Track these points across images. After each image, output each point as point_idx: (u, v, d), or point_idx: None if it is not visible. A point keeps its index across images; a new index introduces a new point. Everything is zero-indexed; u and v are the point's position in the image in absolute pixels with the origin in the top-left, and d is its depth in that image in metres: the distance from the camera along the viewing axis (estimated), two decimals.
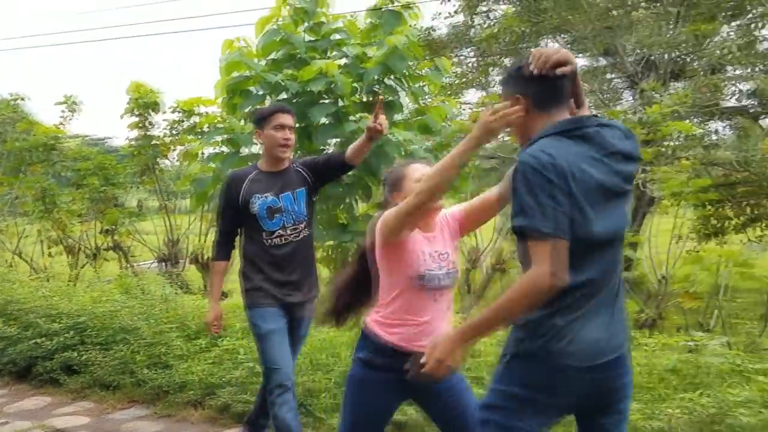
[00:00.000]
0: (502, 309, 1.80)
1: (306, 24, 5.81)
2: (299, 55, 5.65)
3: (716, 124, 11.44)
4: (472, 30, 12.98)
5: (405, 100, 6.16)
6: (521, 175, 1.76)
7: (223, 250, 3.33)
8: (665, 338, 4.07)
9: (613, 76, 12.68)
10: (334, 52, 5.92)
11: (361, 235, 5.76)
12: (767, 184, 8.80)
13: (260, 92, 5.63)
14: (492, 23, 12.28)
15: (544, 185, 1.73)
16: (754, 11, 9.70)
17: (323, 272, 6.96)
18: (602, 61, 12.60)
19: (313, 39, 5.86)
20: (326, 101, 5.68)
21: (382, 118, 2.98)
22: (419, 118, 6.22)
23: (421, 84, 6.28)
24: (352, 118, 5.62)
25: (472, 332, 1.89)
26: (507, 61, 12.93)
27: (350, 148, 3.22)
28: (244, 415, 3.85)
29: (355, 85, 5.82)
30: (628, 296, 5.18)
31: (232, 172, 3.42)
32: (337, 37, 5.89)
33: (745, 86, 10.74)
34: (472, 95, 14.32)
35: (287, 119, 3.25)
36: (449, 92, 12.53)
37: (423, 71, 6.24)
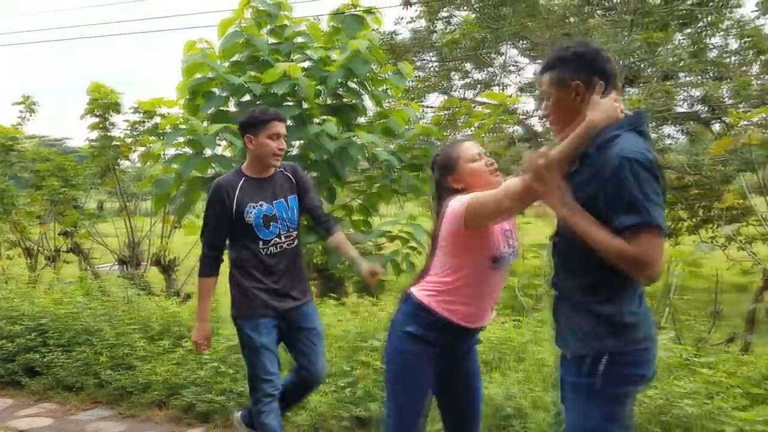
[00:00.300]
0: (597, 239, 1.79)
1: (269, 26, 5.84)
2: (262, 58, 5.69)
3: (669, 129, 11.86)
4: (434, 35, 13.18)
5: (369, 103, 6.26)
6: (631, 173, 1.74)
7: (213, 264, 3.17)
8: None
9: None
10: (297, 55, 5.97)
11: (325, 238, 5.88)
12: (718, 187, 9.16)
13: (224, 94, 5.65)
14: (453, 29, 12.48)
15: (652, 182, 1.75)
16: (705, 20, 10.11)
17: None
18: None
19: (276, 42, 5.90)
20: (290, 104, 5.73)
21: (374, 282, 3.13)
22: (382, 121, 6.30)
23: (385, 88, 6.37)
24: (316, 120, 5.68)
25: (569, 209, 1.86)
26: (468, 66, 13.24)
27: (337, 239, 3.22)
28: (208, 415, 3.88)
29: (318, 87, 5.88)
30: None
31: (218, 180, 3.24)
32: (300, 40, 5.94)
33: (695, 92, 11.16)
34: (435, 99, 14.52)
35: (282, 128, 3.19)
36: (412, 96, 12.70)
37: (385, 75, 6.33)
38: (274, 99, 5.52)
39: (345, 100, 6.09)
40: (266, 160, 3.16)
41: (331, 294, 5.68)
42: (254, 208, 3.11)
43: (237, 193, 3.11)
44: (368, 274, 3.03)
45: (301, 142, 5.84)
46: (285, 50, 5.90)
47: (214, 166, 5.43)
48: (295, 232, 3.22)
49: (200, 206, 7.12)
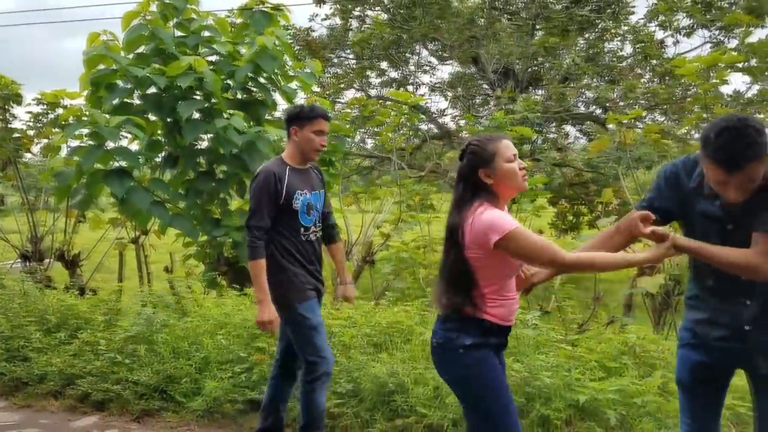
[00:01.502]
0: (715, 258, 2.13)
1: (175, 20, 5.85)
2: (168, 50, 5.70)
3: (570, 129, 12.56)
4: (350, 33, 13.36)
5: (281, 99, 6.39)
6: None
7: (263, 247, 3.18)
8: None
9: (481, 82, 13.55)
10: (205, 49, 6.01)
11: (236, 230, 5.95)
12: (612, 184, 9.76)
13: (127, 86, 5.63)
14: (366, 28, 12.72)
15: None
16: (601, 25, 10.78)
17: (198, 268, 7.04)
18: (473, 69, 13.42)
19: (182, 35, 5.91)
20: (197, 97, 5.77)
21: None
22: None
23: (296, 85, 6.48)
24: (225, 115, 5.74)
25: (689, 247, 2.19)
26: (384, 65, 13.57)
27: (336, 249, 3.58)
28: (104, 404, 3.93)
29: (228, 82, 5.94)
30: None
31: (268, 167, 3.26)
32: (207, 34, 5.98)
33: (591, 94, 11.87)
34: (353, 96, 14.72)
35: (326, 126, 3.30)
36: (329, 92, 12.86)
37: (295, 72, 6.45)
38: (179, 92, 5.55)
39: (255, 95, 6.18)
40: (308, 154, 3.28)
41: (243, 286, 5.75)
42: (301, 195, 3.23)
43: (287, 180, 3.20)
44: (343, 298, 3.41)
45: (209, 135, 5.90)
46: (192, 44, 5.91)
47: (116, 158, 5.40)
48: (321, 223, 3.43)
49: (103, 200, 7.07)
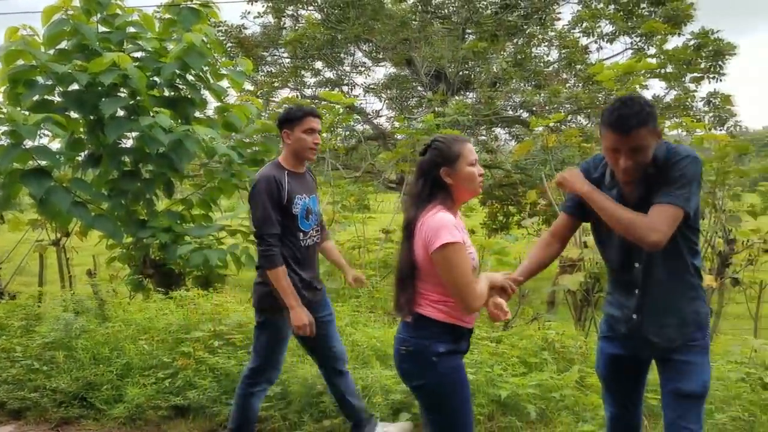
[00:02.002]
0: (606, 209, 2.24)
1: (99, 15, 5.67)
2: (91, 47, 5.52)
3: (500, 131, 12.89)
4: (284, 31, 13.26)
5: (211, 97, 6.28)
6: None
7: (279, 254, 3.11)
8: None
9: (415, 84, 13.71)
10: (130, 45, 5.85)
11: (162, 232, 5.82)
12: (539, 185, 10.08)
13: (48, 82, 5.42)
14: (299, 27, 12.67)
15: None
16: (529, 31, 11.11)
17: (124, 271, 6.83)
18: (407, 71, 13.56)
19: (106, 31, 5.74)
20: (122, 94, 5.61)
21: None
22: (224, 115, 6.32)
23: (226, 84, 6.38)
24: (151, 113, 5.60)
25: (592, 194, 2.28)
26: (319, 64, 13.54)
27: (329, 246, 3.56)
28: (20, 412, 3.79)
29: (155, 79, 5.80)
30: None
31: (267, 172, 3.21)
32: (133, 30, 5.82)
33: (519, 98, 12.23)
34: (288, 95, 14.61)
35: (317, 123, 3.26)
36: (263, 90, 12.72)
37: (225, 70, 6.36)
38: (103, 89, 5.39)
39: (182, 92, 6.06)
40: (303, 154, 3.24)
41: (170, 289, 5.63)
42: (300, 199, 3.20)
43: (287, 185, 3.16)
44: (354, 281, 3.44)
45: (134, 133, 5.75)
46: (116, 40, 5.74)
47: (35, 157, 5.19)
48: (319, 227, 3.41)
49: (26, 200, 6.76)
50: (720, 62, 11.25)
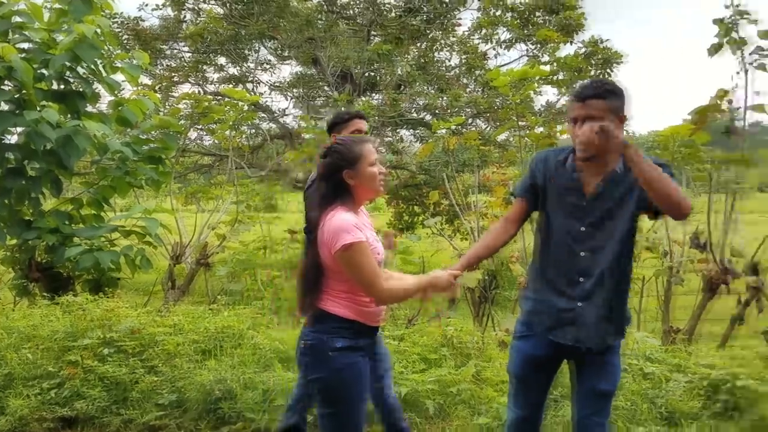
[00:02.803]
0: (660, 178, 2.20)
1: None
2: None
3: (405, 133, 13.12)
4: (184, 24, 12.86)
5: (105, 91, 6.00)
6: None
7: None
8: None
9: (322, 84, 13.68)
10: (15, 36, 5.50)
11: (49, 233, 5.50)
12: (443, 186, 10.35)
13: None
14: (200, 21, 12.34)
15: None
16: (432, 36, 11.39)
17: (7, 275, 6.38)
18: (313, 70, 13.50)
19: None
20: (6, 88, 5.28)
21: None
22: (118, 109, 6.06)
23: (121, 77, 6.12)
24: (38, 107, 5.29)
25: (637, 155, 2.22)
26: (223, 60, 13.24)
27: None
28: None
29: (43, 71, 5.49)
30: None
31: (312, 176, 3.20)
32: (19, 19, 5.48)
33: (422, 101, 12.50)
34: (189, 90, 14.15)
35: (363, 125, 3.34)
36: (162, 85, 12.28)
37: (120, 62, 6.09)
38: None
39: (73, 86, 5.76)
40: None
41: (57, 294, 5.32)
42: None
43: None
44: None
45: (19, 128, 5.42)
46: (0, 30, 5.39)
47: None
48: None
49: None
50: (609, 70, 11.95)
